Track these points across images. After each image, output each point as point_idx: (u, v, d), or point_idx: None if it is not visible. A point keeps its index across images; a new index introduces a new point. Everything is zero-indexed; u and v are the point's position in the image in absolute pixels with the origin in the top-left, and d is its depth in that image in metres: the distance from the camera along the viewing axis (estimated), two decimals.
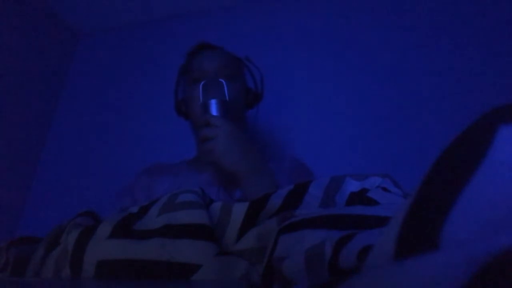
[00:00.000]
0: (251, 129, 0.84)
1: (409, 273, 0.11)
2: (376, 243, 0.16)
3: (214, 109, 0.64)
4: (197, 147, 0.80)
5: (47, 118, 1.39)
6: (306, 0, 1.28)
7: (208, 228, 0.31)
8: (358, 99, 1.08)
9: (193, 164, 0.76)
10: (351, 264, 0.19)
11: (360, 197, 0.34)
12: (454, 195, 0.13)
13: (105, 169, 1.22)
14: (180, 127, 1.18)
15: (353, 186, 0.37)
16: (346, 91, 1.10)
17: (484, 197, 0.13)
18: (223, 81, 0.66)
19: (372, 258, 0.15)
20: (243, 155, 0.59)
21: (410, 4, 1.13)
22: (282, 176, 0.69)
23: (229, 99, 0.67)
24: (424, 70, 1.04)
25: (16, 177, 1.24)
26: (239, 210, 0.34)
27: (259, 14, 1.33)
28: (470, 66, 0.99)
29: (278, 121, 1.12)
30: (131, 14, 1.46)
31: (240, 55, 0.79)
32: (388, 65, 1.09)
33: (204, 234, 0.31)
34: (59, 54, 1.46)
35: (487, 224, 0.12)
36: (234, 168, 0.58)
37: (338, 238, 0.22)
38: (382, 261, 0.14)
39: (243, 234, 0.32)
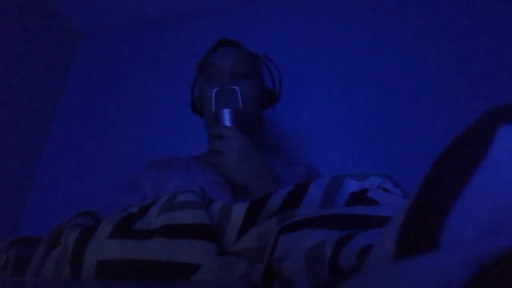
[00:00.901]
0: (266, 130, 0.82)
1: (409, 273, 0.11)
2: (376, 243, 0.16)
3: (226, 119, 0.62)
4: (208, 145, 0.80)
5: (47, 118, 1.40)
6: (313, 1, 1.28)
7: (208, 228, 0.31)
8: (361, 100, 1.08)
9: (204, 161, 0.74)
10: (351, 264, 0.19)
11: (360, 197, 0.34)
12: (454, 195, 0.13)
13: (105, 170, 1.22)
14: (183, 126, 1.18)
15: (353, 186, 0.37)
16: (355, 92, 1.10)
17: (484, 197, 0.13)
18: (236, 88, 0.64)
19: (372, 258, 0.15)
20: (254, 169, 0.58)
21: (418, 5, 1.14)
22: (295, 182, 0.69)
23: (243, 101, 0.64)
24: (425, 71, 1.04)
25: (16, 177, 1.24)
26: (239, 210, 0.34)
27: (265, 13, 1.33)
28: (471, 66, 1.00)
29: (291, 123, 1.11)
30: (131, 14, 1.46)
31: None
32: (391, 66, 1.09)
33: (204, 234, 0.31)
34: (59, 54, 1.46)
35: (487, 224, 0.12)
36: (244, 182, 0.57)
37: (338, 238, 0.22)
38: (382, 261, 0.14)
39: (243, 234, 0.32)
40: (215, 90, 0.64)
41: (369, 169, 0.94)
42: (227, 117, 0.62)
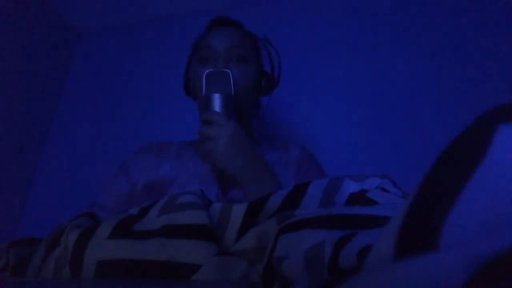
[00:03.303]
0: (262, 115, 0.80)
1: (409, 273, 0.11)
2: (376, 243, 0.16)
3: (217, 105, 0.58)
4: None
5: (47, 118, 1.40)
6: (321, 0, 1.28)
7: (208, 228, 0.31)
8: (360, 100, 1.08)
9: (196, 147, 0.72)
10: (351, 264, 0.19)
11: (359, 198, 0.34)
12: (454, 195, 0.13)
13: (105, 170, 1.22)
14: (184, 125, 1.18)
15: (352, 187, 0.37)
16: (354, 90, 1.10)
17: (484, 197, 0.13)
18: (229, 71, 0.60)
19: (372, 258, 0.15)
20: (244, 159, 0.55)
21: (419, 5, 1.14)
22: (290, 168, 0.67)
23: (236, 86, 0.61)
24: (426, 71, 1.04)
25: (16, 177, 1.24)
26: (239, 211, 0.34)
27: (265, 12, 1.33)
28: (471, 67, 1.00)
29: (289, 111, 1.11)
30: (131, 14, 1.46)
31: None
32: (391, 66, 1.09)
33: (204, 234, 0.31)
34: (59, 54, 1.46)
35: (487, 224, 0.12)
36: (234, 172, 0.55)
37: (338, 238, 0.22)
38: (382, 261, 0.14)
39: (243, 234, 0.32)
40: (206, 72, 0.61)
41: (369, 166, 0.94)
42: (217, 102, 0.59)
